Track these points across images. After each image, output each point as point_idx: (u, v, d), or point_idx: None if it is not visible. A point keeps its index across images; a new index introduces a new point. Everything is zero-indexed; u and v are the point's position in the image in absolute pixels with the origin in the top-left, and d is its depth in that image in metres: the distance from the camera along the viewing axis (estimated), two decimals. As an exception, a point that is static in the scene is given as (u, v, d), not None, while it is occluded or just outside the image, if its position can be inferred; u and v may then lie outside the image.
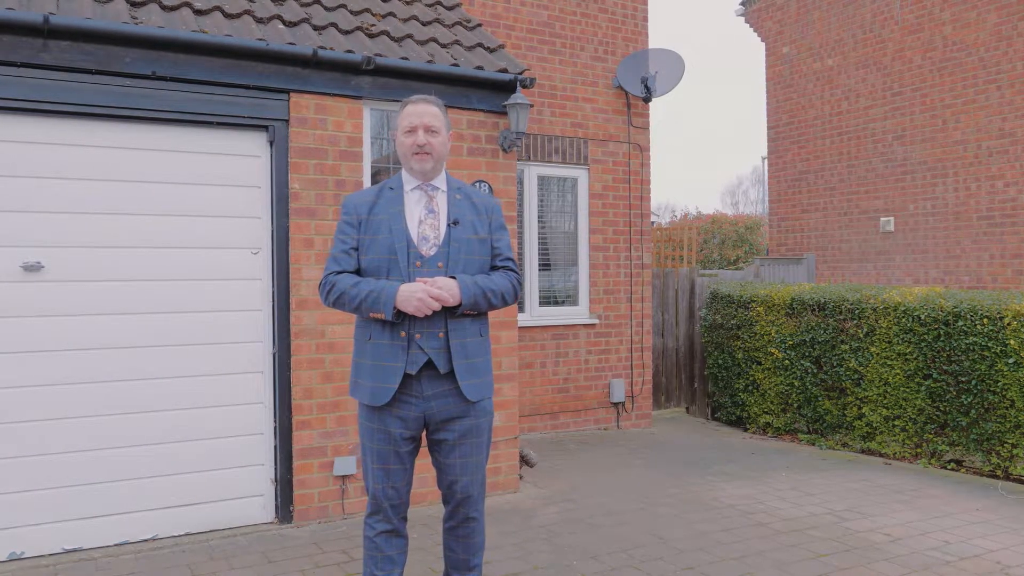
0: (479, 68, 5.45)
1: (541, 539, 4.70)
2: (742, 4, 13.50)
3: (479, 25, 6.19)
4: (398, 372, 2.99)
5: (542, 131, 7.70)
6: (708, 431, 8.15)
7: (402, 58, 5.19)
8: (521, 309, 7.58)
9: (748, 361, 8.03)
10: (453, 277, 3.01)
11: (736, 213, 32.57)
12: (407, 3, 6.10)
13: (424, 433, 3.17)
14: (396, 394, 3.01)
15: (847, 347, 7.01)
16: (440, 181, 3.19)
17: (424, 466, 4.25)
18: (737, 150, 65.19)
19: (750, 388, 8.04)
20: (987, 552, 4.45)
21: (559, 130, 7.80)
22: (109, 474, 4.53)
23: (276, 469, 4.96)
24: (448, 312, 3.02)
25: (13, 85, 4.27)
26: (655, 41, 43.77)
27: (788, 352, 7.54)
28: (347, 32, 5.29)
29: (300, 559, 4.37)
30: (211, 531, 4.77)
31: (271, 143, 4.96)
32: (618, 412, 8.14)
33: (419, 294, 2.91)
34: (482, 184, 5.61)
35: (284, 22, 5.12)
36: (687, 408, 9.16)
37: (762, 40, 13.15)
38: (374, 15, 5.70)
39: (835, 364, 7.13)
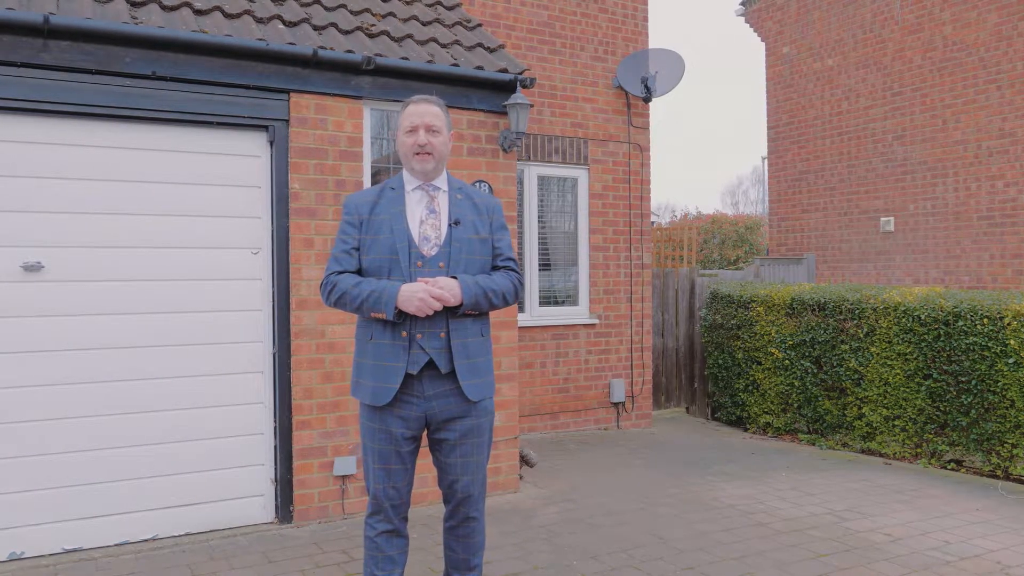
0: (479, 68, 5.45)
1: (541, 539, 4.70)
2: (742, 4, 13.50)
3: (479, 25, 6.19)
4: (399, 372, 3.00)
5: (542, 131, 7.70)
6: (708, 431, 8.14)
7: (402, 58, 5.19)
8: (521, 309, 7.58)
9: (748, 361, 8.03)
10: (454, 277, 3.01)
11: (736, 213, 32.58)
12: (407, 3, 6.10)
13: (425, 433, 3.17)
14: (397, 394, 3.01)
15: (847, 347, 7.01)
16: (441, 181, 3.19)
17: (424, 466, 4.25)
18: (737, 150, 65.26)
19: (750, 388, 8.04)
20: (987, 552, 4.45)
21: (559, 130, 7.80)
22: (109, 474, 4.53)
23: (276, 469, 4.96)
24: (449, 312, 3.01)
25: (13, 85, 4.27)
26: (655, 41, 43.82)
27: (788, 352, 7.54)
28: (347, 32, 5.29)
29: (300, 559, 4.38)
30: (211, 531, 4.77)
31: (271, 143, 4.96)
32: (618, 412, 8.13)
33: (420, 294, 2.91)
34: (482, 184, 5.61)
35: (284, 22, 5.12)
36: (687, 408, 9.15)
37: (762, 40, 13.15)
38: (374, 15, 5.69)
39: (835, 364, 7.13)
